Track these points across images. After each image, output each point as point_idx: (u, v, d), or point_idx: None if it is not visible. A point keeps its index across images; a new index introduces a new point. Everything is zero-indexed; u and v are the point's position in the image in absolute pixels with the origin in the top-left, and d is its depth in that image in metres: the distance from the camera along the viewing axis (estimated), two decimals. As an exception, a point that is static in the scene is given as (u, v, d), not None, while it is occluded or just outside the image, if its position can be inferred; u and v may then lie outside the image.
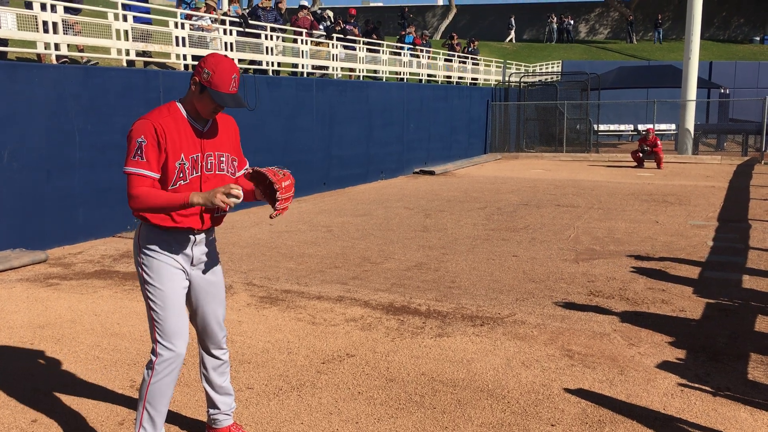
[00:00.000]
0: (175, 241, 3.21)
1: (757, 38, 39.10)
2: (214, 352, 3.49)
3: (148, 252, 3.20)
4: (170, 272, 3.20)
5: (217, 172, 3.24)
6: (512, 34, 40.51)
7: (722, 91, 26.68)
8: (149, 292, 3.20)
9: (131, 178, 3.03)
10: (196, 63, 11.85)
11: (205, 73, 3.09)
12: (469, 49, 25.03)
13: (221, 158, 3.25)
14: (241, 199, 3.04)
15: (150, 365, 3.19)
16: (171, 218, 3.15)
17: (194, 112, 3.17)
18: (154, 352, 3.19)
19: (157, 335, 3.19)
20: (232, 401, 3.63)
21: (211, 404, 3.58)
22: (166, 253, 3.20)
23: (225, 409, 3.59)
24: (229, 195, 3.00)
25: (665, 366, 4.72)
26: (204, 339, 3.46)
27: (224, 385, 3.56)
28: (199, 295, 3.35)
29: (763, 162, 19.90)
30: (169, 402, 3.28)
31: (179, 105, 3.18)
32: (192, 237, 3.25)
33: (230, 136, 3.34)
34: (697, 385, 4.39)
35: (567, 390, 4.33)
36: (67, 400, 4.19)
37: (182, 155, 3.10)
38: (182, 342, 3.21)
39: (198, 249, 3.29)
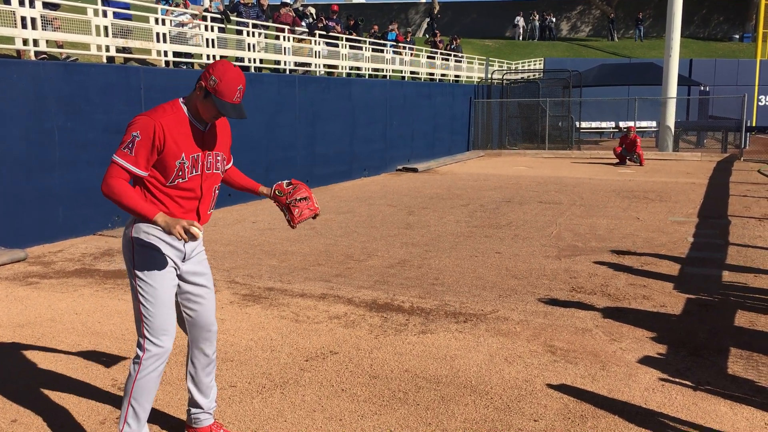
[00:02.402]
0: (168, 236, 3.19)
1: (737, 36, 39.53)
2: (206, 349, 3.47)
3: (141, 248, 3.18)
4: (162, 268, 3.19)
5: (215, 172, 3.32)
6: (519, 32, 40.49)
7: (702, 88, 26.94)
8: (140, 287, 3.18)
9: (113, 166, 3.03)
10: (177, 59, 11.79)
11: (212, 80, 3.10)
12: (452, 47, 25.07)
13: (218, 157, 3.32)
14: (199, 238, 3.09)
15: (137, 360, 3.18)
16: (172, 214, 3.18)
17: (196, 112, 3.19)
18: (141, 347, 3.18)
19: (145, 331, 3.18)
20: (213, 400, 3.62)
21: (193, 403, 3.57)
22: (159, 249, 3.19)
23: (207, 408, 3.58)
24: (188, 232, 3.01)
25: (646, 361, 4.76)
26: (197, 336, 3.44)
27: (210, 385, 3.56)
28: (192, 289, 3.35)
29: (742, 159, 20.12)
30: (153, 398, 3.27)
31: (182, 104, 3.19)
32: None
33: (225, 135, 3.41)
34: (677, 380, 4.44)
35: (549, 385, 4.36)
36: (48, 399, 4.15)
37: (183, 154, 3.13)
38: (169, 338, 3.21)
39: (189, 244, 3.30)
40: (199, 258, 3.40)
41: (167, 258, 3.21)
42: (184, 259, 3.30)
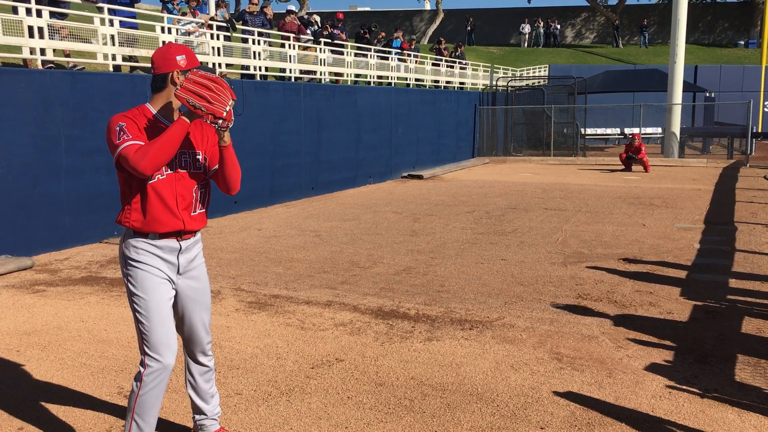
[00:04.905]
0: (160, 250, 3.19)
1: (742, 42, 39.49)
2: (201, 359, 3.48)
3: (134, 263, 3.18)
4: (156, 283, 3.18)
5: (192, 171, 3.23)
6: (525, 39, 40.62)
7: (707, 94, 26.89)
8: (136, 303, 3.18)
9: (125, 150, 2.97)
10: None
11: (155, 67, 3.13)
12: (456, 54, 25.10)
13: (196, 156, 3.24)
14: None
15: (138, 377, 3.17)
16: (155, 224, 3.14)
17: (166, 111, 3.17)
18: (142, 363, 3.17)
19: (145, 347, 3.16)
20: (217, 406, 3.62)
21: (197, 410, 3.58)
22: (151, 264, 3.18)
23: (210, 414, 3.59)
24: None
25: (653, 368, 4.75)
26: (190, 346, 3.45)
27: (210, 391, 3.56)
28: (185, 302, 3.34)
29: (748, 165, 20.06)
30: (158, 413, 3.26)
31: (149, 106, 3.18)
32: (178, 245, 3.23)
33: (205, 134, 3.32)
34: (685, 387, 4.42)
35: (556, 393, 4.34)
36: (54, 407, 4.16)
37: None
38: (170, 353, 3.19)
39: (184, 257, 3.28)
40: (195, 273, 3.36)
41: (161, 272, 3.20)
42: (179, 272, 3.27)
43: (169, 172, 3.14)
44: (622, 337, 5.40)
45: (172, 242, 3.21)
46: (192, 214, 3.25)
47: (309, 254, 8.58)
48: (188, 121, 3.05)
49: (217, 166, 3.30)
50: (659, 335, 5.43)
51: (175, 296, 3.31)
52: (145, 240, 3.17)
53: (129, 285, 3.20)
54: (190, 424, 3.81)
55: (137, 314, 3.18)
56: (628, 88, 26.28)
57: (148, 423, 3.22)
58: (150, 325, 3.15)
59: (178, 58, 3.13)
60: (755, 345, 5.21)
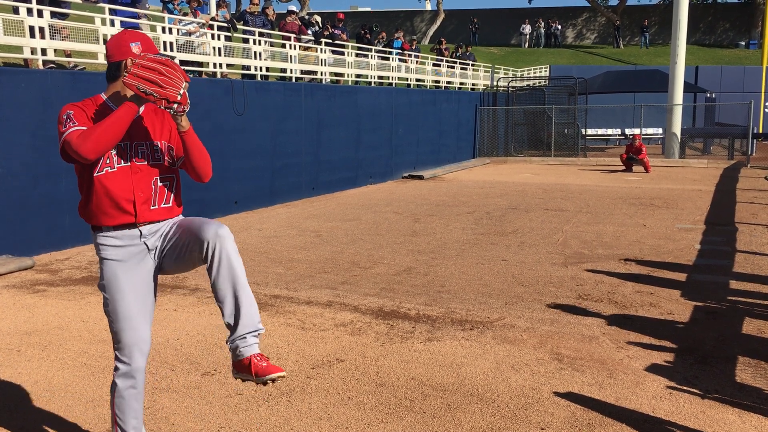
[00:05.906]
0: (119, 240, 3.03)
1: (743, 43, 39.48)
2: (216, 259, 2.91)
3: (104, 263, 3.07)
4: (124, 281, 3.04)
5: (151, 163, 3.04)
6: (525, 39, 40.66)
7: (708, 95, 26.90)
8: (105, 303, 3.09)
9: (69, 135, 2.83)
10: (184, 67, 11.82)
11: (108, 54, 3.03)
12: (460, 54, 25.11)
13: (154, 147, 3.05)
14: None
15: (113, 383, 3.09)
16: (102, 217, 3.01)
17: (118, 98, 3.04)
18: (115, 367, 3.08)
19: (114, 348, 3.08)
20: (251, 322, 2.95)
21: (228, 327, 2.99)
22: (116, 257, 3.04)
23: (241, 331, 2.92)
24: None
25: (654, 369, 4.74)
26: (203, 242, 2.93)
27: (243, 301, 2.93)
28: (177, 244, 3.03)
29: (749, 165, 20.06)
30: (140, 413, 3.16)
31: (103, 95, 3.08)
32: (138, 231, 3.04)
33: (166, 123, 3.12)
34: (685, 388, 4.41)
35: (556, 393, 4.34)
36: (55, 407, 4.16)
37: None
38: (140, 355, 3.06)
39: (151, 239, 3.07)
40: (170, 228, 3.08)
41: (127, 263, 3.04)
42: (149, 249, 3.06)
43: (123, 164, 2.97)
44: (623, 337, 5.40)
45: (130, 231, 3.04)
46: (152, 208, 3.05)
47: (309, 254, 8.58)
48: (136, 104, 2.90)
49: (182, 157, 3.11)
50: (660, 336, 5.42)
51: (173, 251, 3.05)
52: (102, 234, 3.05)
53: (102, 285, 3.09)
54: (191, 424, 3.81)
55: (108, 315, 3.08)
56: (628, 89, 26.27)
57: (131, 424, 3.12)
58: (117, 326, 3.04)
59: (132, 45, 3.00)
60: (756, 346, 5.21)
